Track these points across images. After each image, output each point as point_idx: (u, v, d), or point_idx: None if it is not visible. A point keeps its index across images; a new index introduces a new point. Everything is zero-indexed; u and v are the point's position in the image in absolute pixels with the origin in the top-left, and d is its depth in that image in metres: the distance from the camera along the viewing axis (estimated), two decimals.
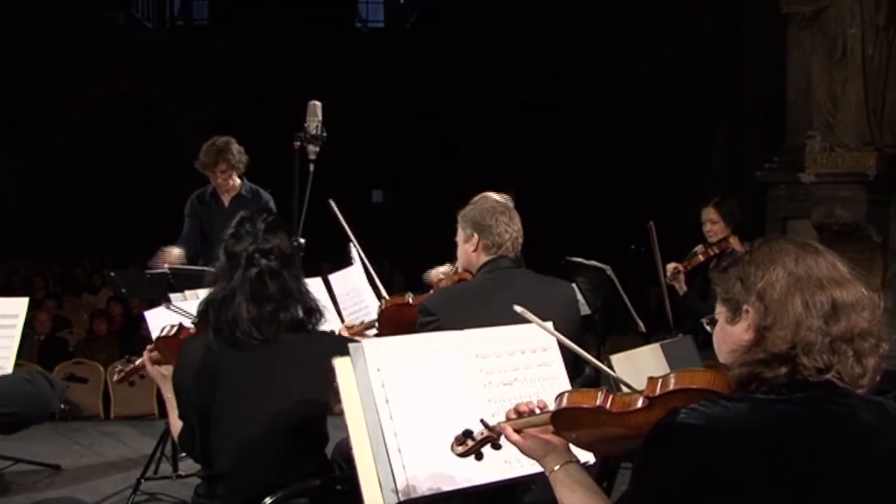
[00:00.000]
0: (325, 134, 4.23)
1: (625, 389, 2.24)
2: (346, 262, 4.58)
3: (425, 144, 20.56)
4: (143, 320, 4.53)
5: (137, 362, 3.22)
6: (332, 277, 4.45)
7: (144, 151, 20.19)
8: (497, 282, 3.25)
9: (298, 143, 4.21)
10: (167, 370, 3.02)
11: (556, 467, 1.89)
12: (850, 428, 1.60)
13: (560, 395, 1.89)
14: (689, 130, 15.77)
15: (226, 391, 2.68)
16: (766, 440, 1.57)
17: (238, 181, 5.55)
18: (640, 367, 3.42)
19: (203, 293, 3.74)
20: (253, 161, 5.62)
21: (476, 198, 3.48)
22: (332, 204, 4.27)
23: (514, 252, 3.35)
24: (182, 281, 4.68)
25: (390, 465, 2.27)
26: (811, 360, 1.60)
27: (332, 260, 9.00)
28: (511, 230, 3.33)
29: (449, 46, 19.20)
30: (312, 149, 4.21)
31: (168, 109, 19.44)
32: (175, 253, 5.35)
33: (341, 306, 4.34)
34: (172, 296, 4.45)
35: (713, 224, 5.18)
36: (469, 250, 3.37)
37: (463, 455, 2.08)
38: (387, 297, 3.95)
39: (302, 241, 4.28)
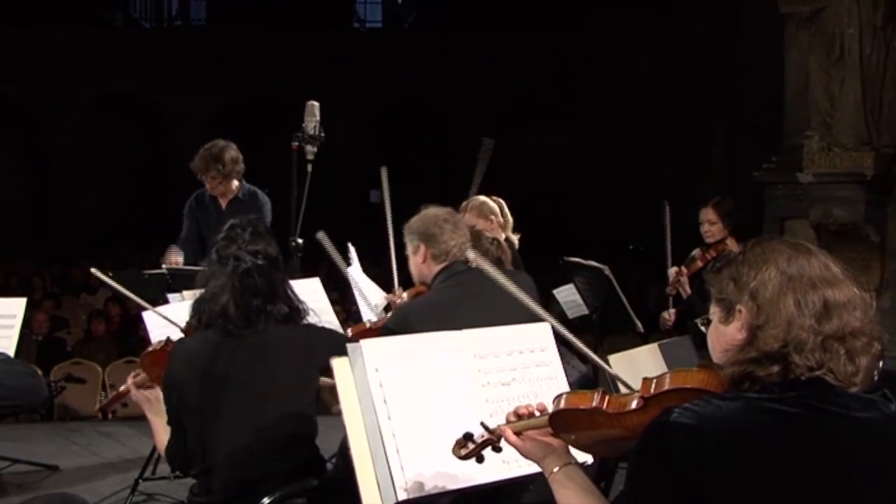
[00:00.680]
0: (322, 134, 4.24)
1: (622, 388, 2.24)
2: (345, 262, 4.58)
3: (423, 144, 20.56)
4: (140, 321, 4.53)
5: (121, 389, 3.21)
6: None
7: (143, 152, 20.17)
8: (458, 290, 3.27)
9: (296, 144, 4.22)
10: (153, 394, 3.05)
11: (556, 469, 1.90)
12: (843, 426, 1.60)
13: (558, 397, 1.91)
14: (688, 130, 15.78)
15: (219, 382, 2.75)
16: (758, 438, 1.58)
17: (235, 184, 5.53)
18: (638, 367, 3.42)
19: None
20: (251, 161, 5.60)
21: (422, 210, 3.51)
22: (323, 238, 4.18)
23: (464, 259, 3.36)
24: (180, 281, 4.68)
25: (388, 465, 2.27)
26: (803, 359, 1.61)
27: (330, 260, 9.02)
28: (457, 237, 3.36)
29: (447, 46, 19.20)
30: (310, 149, 4.22)
31: (166, 109, 19.42)
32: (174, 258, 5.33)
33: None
34: (171, 296, 4.45)
35: (711, 225, 5.18)
36: (419, 262, 3.40)
37: (464, 458, 2.09)
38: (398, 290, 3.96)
39: (300, 241, 4.28)
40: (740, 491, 1.56)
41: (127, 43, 19.06)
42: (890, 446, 1.62)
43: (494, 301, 3.19)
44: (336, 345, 2.93)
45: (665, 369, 3.40)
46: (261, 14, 19.19)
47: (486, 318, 2.67)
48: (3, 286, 11.76)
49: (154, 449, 4.79)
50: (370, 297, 4.26)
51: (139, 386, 3.08)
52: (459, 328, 2.61)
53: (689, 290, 5.12)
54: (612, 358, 3.43)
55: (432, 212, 3.44)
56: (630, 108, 16.90)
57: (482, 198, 5.03)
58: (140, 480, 4.65)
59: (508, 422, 2.00)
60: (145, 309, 3.91)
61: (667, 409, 1.63)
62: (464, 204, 5.00)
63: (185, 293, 4.21)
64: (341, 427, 2.39)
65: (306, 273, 4.44)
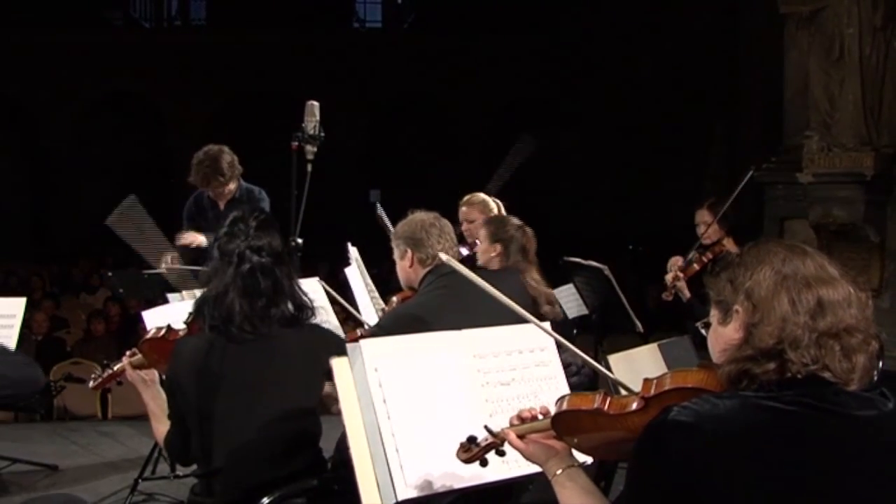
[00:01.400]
0: (322, 134, 4.23)
1: (622, 391, 2.25)
2: (344, 262, 4.59)
3: (423, 144, 20.56)
4: (140, 320, 4.53)
5: (116, 368, 3.17)
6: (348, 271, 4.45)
7: (143, 152, 20.17)
8: (444, 293, 3.29)
9: (296, 143, 4.22)
10: (149, 374, 3.02)
11: (559, 471, 1.92)
12: (840, 424, 1.61)
13: (560, 399, 1.92)
14: (687, 130, 15.78)
15: (223, 387, 2.69)
16: (756, 436, 1.59)
17: (233, 185, 5.52)
18: (637, 367, 3.42)
19: (200, 293, 3.74)
20: (251, 161, 5.60)
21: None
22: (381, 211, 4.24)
23: None
24: (179, 281, 4.68)
25: (388, 464, 2.27)
26: (798, 356, 1.62)
27: (329, 260, 9.02)
28: (443, 241, 3.41)
29: (447, 46, 19.20)
30: (310, 149, 4.21)
31: (166, 109, 19.42)
32: (191, 237, 5.31)
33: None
34: (170, 296, 4.46)
35: (707, 226, 5.19)
36: (406, 266, 3.45)
37: (468, 461, 2.11)
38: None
39: (300, 240, 4.28)
40: (738, 489, 1.56)
41: (127, 43, 19.06)
42: (888, 444, 1.63)
43: (480, 302, 3.20)
44: (340, 347, 2.93)
45: (665, 369, 3.40)
46: (261, 14, 19.17)
47: (471, 319, 2.67)
48: (3, 286, 11.77)
49: (154, 449, 4.80)
50: (360, 302, 4.28)
51: (135, 367, 3.04)
52: (445, 329, 2.62)
53: (687, 294, 5.12)
54: (612, 358, 3.43)
55: (419, 217, 3.49)
56: (630, 109, 16.90)
57: (483, 195, 5.05)
58: (139, 480, 4.66)
59: (512, 425, 2.02)
60: (146, 307, 3.91)
61: (665, 408, 1.65)
62: (465, 198, 5.01)
63: (185, 293, 4.22)
64: (341, 427, 2.39)
65: (306, 273, 4.44)
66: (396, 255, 3.49)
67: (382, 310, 4.04)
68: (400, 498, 2.25)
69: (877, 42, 6.04)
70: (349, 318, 5.46)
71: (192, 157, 5.45)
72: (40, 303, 9.65)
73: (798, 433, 1.59)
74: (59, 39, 17.84)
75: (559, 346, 2.45)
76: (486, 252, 4.18)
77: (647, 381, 1.80)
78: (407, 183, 21.23)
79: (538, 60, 18.92)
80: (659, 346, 3.65)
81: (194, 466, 2.90)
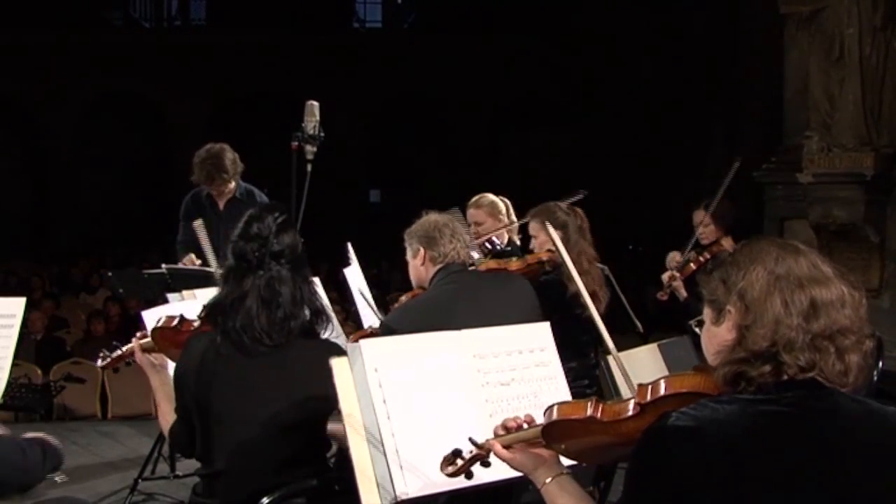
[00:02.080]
0: (322, 134, 4.23)
1: (621, 385, 2.24)
2: (344, 263, 4.58)
3: (423, 144, 20.56)
4: (140, 320, 4.52)
5: (125, 349, 3.16)
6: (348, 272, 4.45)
7: (142, 151, 20.17)
8: (454, 288, 3.35)
9: (296, 143, 4.21)
10: (158, 359, 3.00)
11: (548, 480, 1.90)
12: (837, 426, 1.61)
13: (549, 408, 1.89)
14: (687, 131, 15.78)
15: (229, 392, 2.65)
16: (755, 440, 1.58)
17: (233, 184, 5.52)
18: (637, 367, 3.42)
19: (200, 293, 3.73)
20: (250, 161, 5.59)
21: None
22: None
23: (461, 263, 3.46)
24: (179, 281, 4.68)
25: (388, 465, 2.27)
26: (793, 358, 1.62)
27: (330, 261, 9.02)
28: (455, 242, 3.45)
29: (447, 46, 19.20)
30: (310, 149, 4.21)
31: (165, 109, 19.42)
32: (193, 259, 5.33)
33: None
34: (170, 296, 4.45)
35: (705, 227, 5.19)
36: (417, 265, 3.49)
37: (452, 475, 2.07)
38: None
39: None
40: (739, 492, 1.56)
41: (127, 43, 19.05)
42: (884, 446, 1.63)
43: (492, 299, 3.23)
44: None
45: (664, 369, 3.41)
46: (260, 14, 19.17)
47: (483, 315, 2.69)
48: (3, 286, 11.76)
49: (153, 448, 4.80)
50: (359, 302, 4.27)
51: (144, 350, 3.03)
52: (457, 325, 2.63)
53: (684, 294, 5.12)
54: (612, 358, 3.43)
55: (433, 218, 3.54)
56: (630, 109, 16.90)
57: (491, 196, 5.04)
58: (139, 480, 4.66)
59: (497, 435, 1.99)
60: (146, 307, 3.91)
61: (664, 414, 1.64)
62: (473, 200, 5.01)
63: (185, 293, 4.21)
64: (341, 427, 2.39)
65: None
66: (409, 253, 3.53)
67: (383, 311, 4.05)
68: (399, 498, 2.25)
69: (877, 42, 6.04)
70: (350, 318, 5.46)
71: (191, 157, 5.45)
72: (40, 303, 9.64)
73: (796, 436, 1.59)
74: (59, 39, 17.84)
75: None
76: (546, 243, 4.18)
77: (641, 386, 1.78)
78: (407, 183, 21.25)
79: (538, 60, 18.92)
80: (659, 346, 3.64)
81: (196, 466, 2.88)
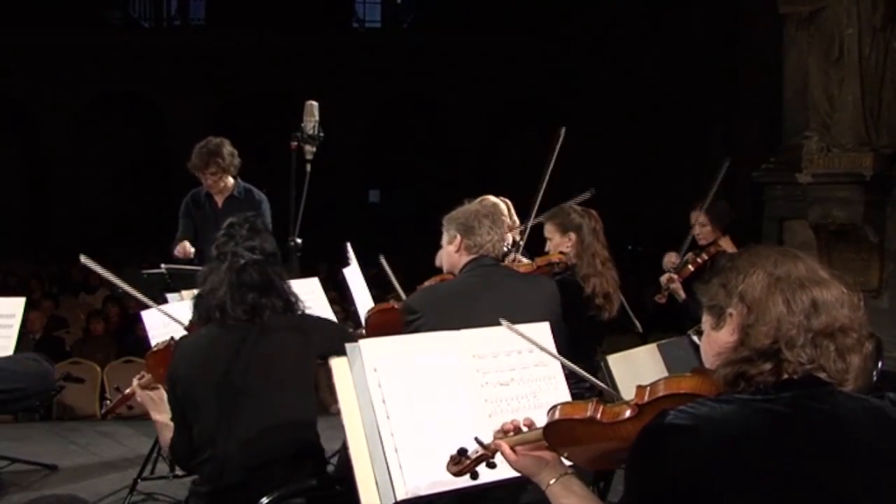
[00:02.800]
0: (321, 134, 4.24)
1: (621, 388, 2.24)
2: (343, 263, 4.58)
3: (422, 144, 20.56)
4: (139, 320, 4.53)
5: (126, 391, 3.27)
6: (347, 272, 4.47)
7: (141, 151, 20.17)
8: (480, 280, 3.38)
9: (295, 143, 4.22)
10: (157, 394, 3.12)
11: (552, 481, 1.91)
12: (835, 425, 1.62)
13: (552, 409, 1.90)
14: (687, 131, 15.78)
15: (221, 374, 2.82)
16: (753, 439, 1.59)
17: (231, 182, 5.53)
18: (637, 367, 3.42)
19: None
20: (250, 161, 5.61)
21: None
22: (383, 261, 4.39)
23: (496, 254, 3.48)
24: (178, 281, 4.68)
25: (387, 464, 2.27)
26: (794, 355, 1.63)
27: (329, 261, 9.02)
28: (493, 234, 3.46)
29: (446, 46, 19.20)
30: (309, 149, 4.22)
31: (165, 109, 19.42)
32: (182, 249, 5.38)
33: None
34: (169, 296, 4.45)
35: (702, 227, 5.19)
36: (452, 251, 3.50)
37: (458, 474, 2.09)
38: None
39: (299, 241, 4.28)
40: (736, 491, 1.56)
41: (126, 43, 19.06)
42: (883, 446, 1.63)
43: (515, 299, 3.23)
44: (332, 331, 3.12)
45: (664, 369, 3.41)
46: (260, 14, 19.17)
47: (502, 312, 2.69)
48: (2, 285, 11.76)
49: (153, 448, 4.80)
50: (359, 301, 4.28)
51: (144, 388, 3.15)
52: (476, 317, 2.67)
53: (683, 295, 5.12)
54: (611, 358, 3.44)
55: (474, 206, 3.58)
56: (629, 109, 16.90)
57: (492, 198, 5.04)
58: (139, 480, 4.66)
59: (501, 437, 2.00)
60: (145, 307, 3.92)
61: (662, 412, 1.64)
62: (476, 202, 5.00)
63: (184, 293, 4.21)
64: (341, 427, 2.39)
65: (306, 273, 4.44)
66: (445, 238, 3.54)
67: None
68: (399, 498, 2.25)
69: (876, 42, 6.03)
70: (349, 318, 5.46)
71: (190, 158, 5.46)
72: (39, 302, 9.64)
73: (795, 435, 1.59)
74: (59, 39, 17.85)
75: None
76: (560, 245, 4.21)
77: (640, 388, 1.79)
78: (406, 183, 21.25)
79: (538, 60, 18.92)
80: (658, 346, 3.64)
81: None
